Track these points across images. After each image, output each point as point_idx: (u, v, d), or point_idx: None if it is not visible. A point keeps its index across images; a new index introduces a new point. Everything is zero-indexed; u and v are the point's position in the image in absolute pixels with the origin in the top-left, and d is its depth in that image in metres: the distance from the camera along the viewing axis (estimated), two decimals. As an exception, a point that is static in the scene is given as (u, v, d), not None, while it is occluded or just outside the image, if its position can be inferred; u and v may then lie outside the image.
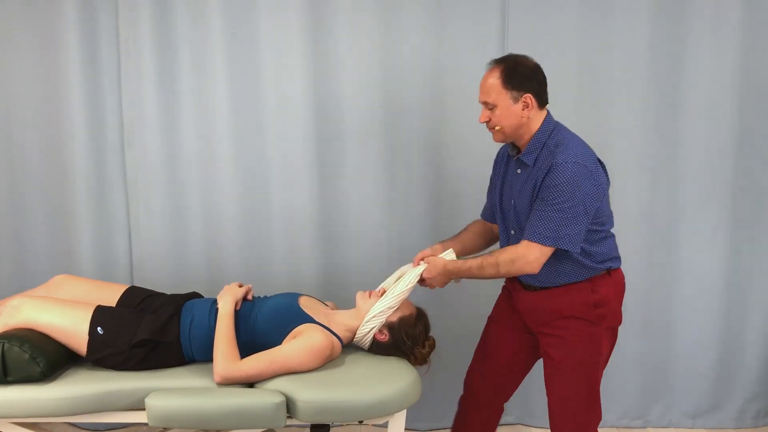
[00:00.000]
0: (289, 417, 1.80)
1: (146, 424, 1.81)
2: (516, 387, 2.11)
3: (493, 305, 2.13)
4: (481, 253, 1.97)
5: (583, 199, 1.75)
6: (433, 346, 2.04)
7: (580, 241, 1.78)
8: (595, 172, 1.78)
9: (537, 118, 1.84)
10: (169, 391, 1.80)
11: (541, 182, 1.78)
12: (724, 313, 2.66)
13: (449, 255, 1.98)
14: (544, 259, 1.79)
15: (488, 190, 2.13)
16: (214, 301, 2.01)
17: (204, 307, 1.99)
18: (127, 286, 2.15)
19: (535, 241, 1.77)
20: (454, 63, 2.54)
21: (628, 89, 2.54)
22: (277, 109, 2.56)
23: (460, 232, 2.17)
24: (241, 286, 2.07)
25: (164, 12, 2.52)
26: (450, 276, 1.93)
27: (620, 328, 2.64)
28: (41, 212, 2.64)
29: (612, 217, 1.92)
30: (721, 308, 2.66)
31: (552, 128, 1.85)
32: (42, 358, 1.81)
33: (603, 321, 1.87)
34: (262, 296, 2.11)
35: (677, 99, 2.54)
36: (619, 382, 2.71)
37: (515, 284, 1.99)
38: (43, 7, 2.53)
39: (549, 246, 1.77)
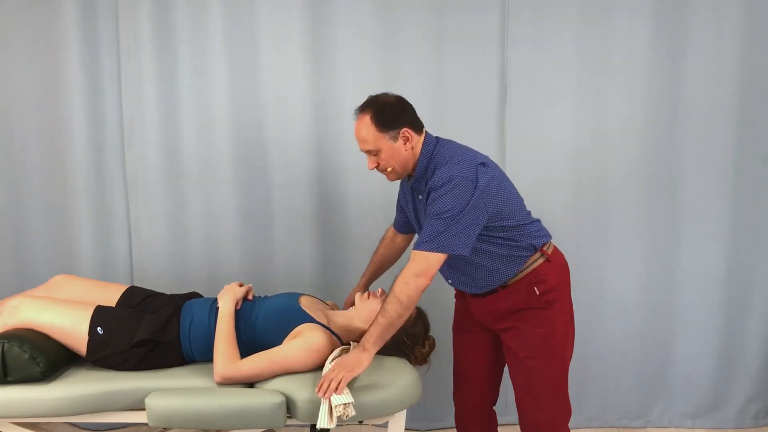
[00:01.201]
0: (289, 417, 1.80)
1: (146, 424, 1.81)
2: (498, 388, 2.11)
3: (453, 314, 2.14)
4: None
5: (464, 206, 1.72)
6: (433, 346, 2.04)
7: (469, 244, 1.75)
8: (475, 179, 1.75)
9: (418, 145, 1.84)
10: (169, 391, 1.80)
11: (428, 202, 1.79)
12: (724, 313, 2.66)
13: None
14: (433, 267, 1.73)
15: (397, 205, 2.14)
16: (214, 301, 2.01)
17: (204, 307, 1.99)
18: (127, 286, 2.15)
19: (416, 249, 1.75)
20: (453, 63, 2.54)
21: (628, 89, 2.54)
22: (277, 108, 2.56)
23: (374, 255, 2.24)
24: (241, 285, 2.07)
25: (164, 12, 2.52)
26: (366, 350, 1.76)
27: (620, 328, 2.68)
28: (41, 212, 2.64)
29: (521, 207, 1.88)
30: (721, 308, 2.66)
31: (431, 150, 1.84)
32: (42, 358, 1.81)
33: (554, 305, 1.88)
34: (262, 296, 2.11)
35: (677, 99, 2.54)
36: (619, 382, 2.71)
37: (463, 293, 2.01)
38: (43, 7, 2.54)
39: (432, 251, 1.72)
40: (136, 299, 2.09)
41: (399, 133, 1.81)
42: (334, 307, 2.19)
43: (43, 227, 2.65)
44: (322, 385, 1.71)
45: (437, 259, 1.73)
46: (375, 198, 2.60)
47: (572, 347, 1.98)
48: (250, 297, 2.05)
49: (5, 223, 2.66)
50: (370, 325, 1.79)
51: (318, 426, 1.70)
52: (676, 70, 2.53)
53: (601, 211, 2.61)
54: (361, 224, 2.61)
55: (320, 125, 2.58)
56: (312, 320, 1.94)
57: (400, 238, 2.22)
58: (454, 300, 2.13)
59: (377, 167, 1.86)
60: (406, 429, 1.94)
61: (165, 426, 1.78)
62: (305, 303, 2.02)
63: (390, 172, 1.86)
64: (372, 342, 1.76)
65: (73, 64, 2.53)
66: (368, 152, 1.84)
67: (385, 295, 2.03)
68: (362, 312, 2.01)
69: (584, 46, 2.52)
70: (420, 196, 1.89)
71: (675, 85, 2.54)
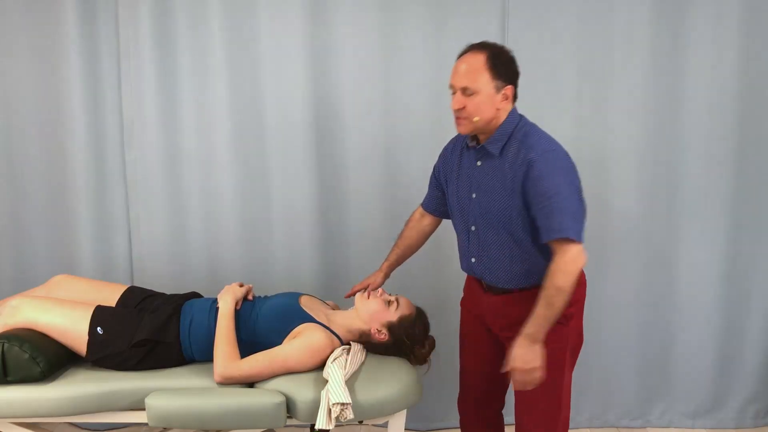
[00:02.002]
0: (289, 417, 1.80)
1: (146, 424, 1.81)
2: (504, 393, 2.07)
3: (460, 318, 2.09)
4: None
5: (575, 182, 1.70)
6: (433, 346, 2.04)
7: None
8: (569, 157, 1.74)
9: (506, 112, 1.76)
10: (169, 391, 1.81)
11: (524, 177, 1.70)
12: (724, 313, 2.66)
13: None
14: (581, 255, 1.66)
15: (432, 181, 2.07)
16: (214, 301, 2.01)
17: (204, 307, 1.99)
18: (126, 286, 2.15)
19: (563, 237, 1.64)
20: (453, 63, 2.53)
21: (628, 90, 2.54)
22: (276, 109, 2.56)
23: (398, 239, 2.16)
24: (241, 285, 2.07)
25: (164, 12, 2.52)
26: (538, 342, 1.69)
27: (620, 328, 2.67)
28: (41, 212, 2.64)
29: None
30: (721, 308, 2.66)
31: (518, 120, 1.78)
32: (42, 358, 1.81)
33: (569, 321, 1.82)
34: (262, 296, 2.11)
35: (677, 99, 2.54)
36: (619, 382, 2.71)
37: (476, 288, 1.94)
38: (44, 8, 2.54)
39: (576, 236, 1.64)
40: (136, 299, 2.09)
41: (504, 87, 1.72)
42: (335, 307, 2.19)
43: (43, 227, 2.65)
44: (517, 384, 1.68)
45: (580, 242, 1.65)
46: (375, 198, 2.60)
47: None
48: (250, 297, 2.06)
49: (5, 224, 2.66)
50: (533, 318, 1.67)
51: (317, 426, 1.70)
52: (677, 70, 2.53)
53: (600, 211, 2.60)
54: (361, 224, 2.61)
55: (320, 125, 2.57)
56: (312, 320, 1.94)
57: (428, 220, 2.12)
58: (460, 307, 2.09)
59: (462, 110, 1.72)
60: (406, 429, 1.94)
61: (165, 426, 1.78)
62: (305, 303, 2.02)
63: (474, 121, 1.72)
64: (542, 334, 1.67)
65: (73, 65, 2.53)
66: (462, 89, 1.70)
67: (384, 295, 2.03)
68: (362, 312, 2.01)
69: (584, 46, 2.51)
70: (479, 162, 1.80)
71: (675, 85, 2.54)
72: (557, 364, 1.83)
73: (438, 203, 2.07)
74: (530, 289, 1.79)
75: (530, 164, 1.68)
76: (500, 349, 1.94)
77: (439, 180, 2.03)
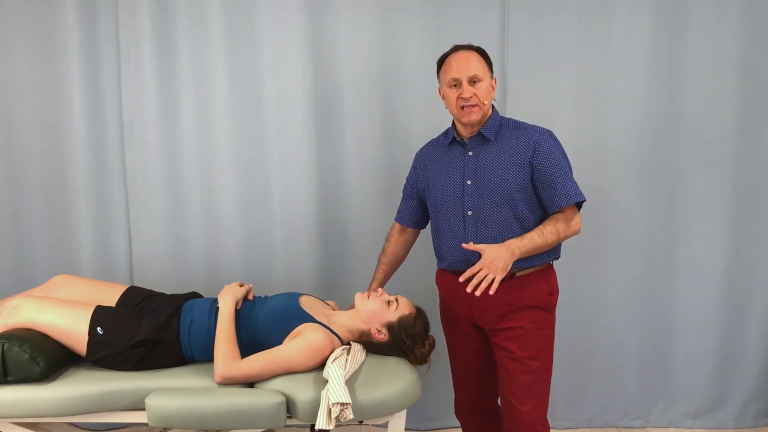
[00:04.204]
0: (289, 417, 1.80)
1: (146, 424, 1.81)
2: (496, 382, 2.10)
3: (439, 306, 2.14)
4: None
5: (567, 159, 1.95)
6: (433, 345, 2.04)
7: None
8: None
9: (491, 101, 1.95)
10: (169, 391, 1.80)
11: (533, 154, 1.87)
12: (724, 313, 2.66)
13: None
14: (579, 218, 1.90)
15: (407, 193, 2.16)
16: (214, 301, 2.01)
17: (203, 307, 1.99)
18: (126, 286, 2.15)
19: (579, 201, 1.86)
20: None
21: (628, 89, 2.54)
22: (276, 109, 2.57)
23: (382, 255, 2.20)
24: (241, 285, 2.07)
25: (164, 12, 2.53)
26: (514, 256, 1.79)
27: (620, 328, 2.68)
28: (41, 212, 2.64)
29: None
30: (720, 308, 2.66)
31: (497, 113, 1.97)
32: (42, 358, 1.81)
33: (553, 308, 1.97)
34: (262, 296, 2.11)
35: (677, 97, 2.55)
36: (619, 382, 2.71)
37: (461, 283, 1.95)
38: (44, 8, 2.54)
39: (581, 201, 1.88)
40: (136, 299, 2.09)
41: (493, 78, 1.93)
42: (335, 307, 2.19)
43: (43, 227, 2.65)
44: (472, 282, 1.72)
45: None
46: (375, 198, 2.60)
47: None
48: (250, 297, 2.05)
49: (5, 223, 2.66)
50: (524, 236, 1.83)
51: (317, 427, 1.70)
52: (677, 69, 2.53)
53: (600, 210, 2.61)
54: (361, 224, 2.62)
55: (320, 125, 2.58)
56: (312, 320, 1.94)
57: (409, 232, 2.20)
58: (440, 313, 2.12)
59: (473, 97, 1.86)
60: (406, 429, 1.94)
61: (165, 426, 1.78)
62: (305, 303, 2.02)
63: (483, 106, 1.88)
64: (521, 252, 1.80)
65: (74, 65, 2.53)
66: (470, 78, 1.86)
67: (384, 295, 2.03)
68: (362, 312, 2.01)
69: (584, 45, 2.52)
70: (471, 152, 1.93)
71: (675, 83, 2.54)
72: (547, 350, 1.94)
73: (414, 213, 2.16)
74: (520, 276, 1.90)
75: (537, 143, 1.88)
76: (489, 347, 2.02)
77: (417, 187, 2.11)
